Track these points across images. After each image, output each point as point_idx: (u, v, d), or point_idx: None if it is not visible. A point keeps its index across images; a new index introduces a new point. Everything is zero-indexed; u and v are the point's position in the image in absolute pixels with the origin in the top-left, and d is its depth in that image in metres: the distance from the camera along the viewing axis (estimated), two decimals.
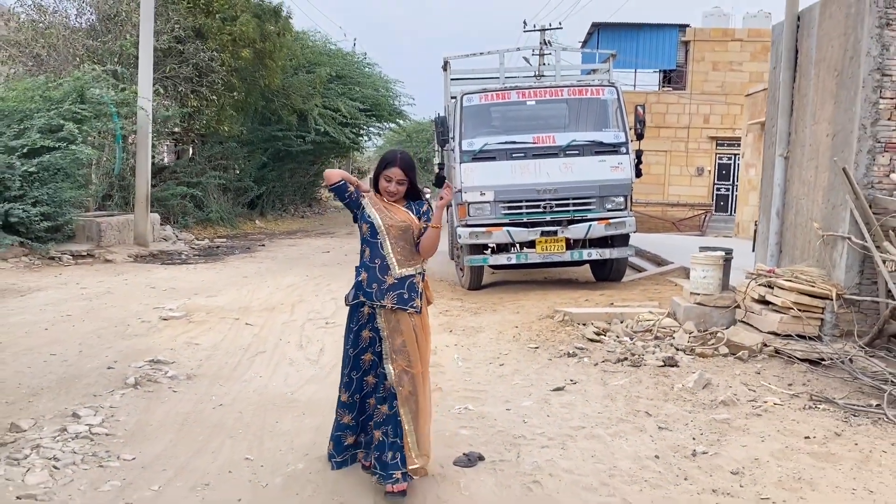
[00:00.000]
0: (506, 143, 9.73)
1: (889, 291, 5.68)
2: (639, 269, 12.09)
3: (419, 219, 3.71)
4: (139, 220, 13.74)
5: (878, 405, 4.74)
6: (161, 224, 15.57)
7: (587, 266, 10.85)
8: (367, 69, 26.29)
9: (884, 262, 5.64)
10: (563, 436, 4.36)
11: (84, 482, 3.64)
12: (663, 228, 24.09)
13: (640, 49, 26.76)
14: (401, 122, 29.47)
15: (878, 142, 6.04)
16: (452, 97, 10.58)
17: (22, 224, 11.36)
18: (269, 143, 22.73)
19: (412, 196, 3.78)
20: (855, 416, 4.59)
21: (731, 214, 24.49)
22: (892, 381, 5.01)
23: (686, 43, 26.54)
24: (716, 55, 26.12)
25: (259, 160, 22.52)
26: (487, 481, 3.76)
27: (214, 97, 17.35)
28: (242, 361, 6.06)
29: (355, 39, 56.41)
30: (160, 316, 7.60)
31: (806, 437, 4.18)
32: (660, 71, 27.79)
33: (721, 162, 26.50)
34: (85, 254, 12.20)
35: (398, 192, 3.69)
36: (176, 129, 18.47)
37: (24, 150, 11.44)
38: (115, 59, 15.45)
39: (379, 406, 3.64)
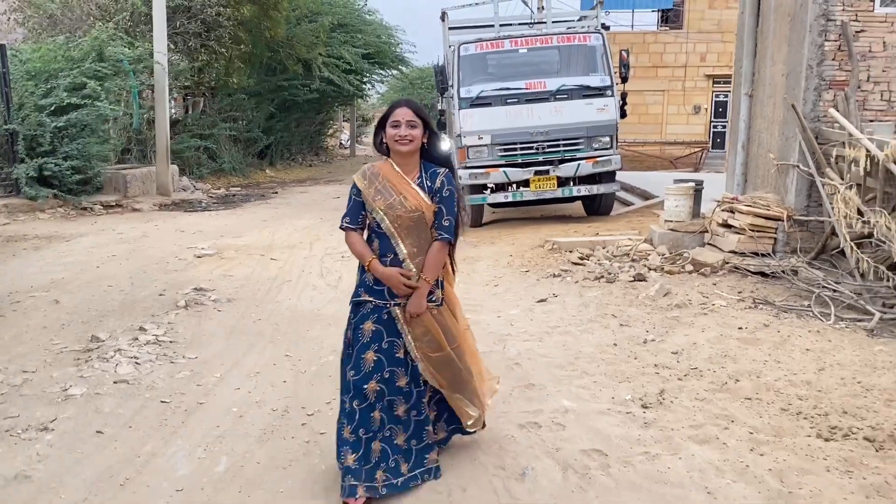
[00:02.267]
0: (500, 89, 10.50)
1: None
2: (628, 204, 12.97)
3: (432, 198, 3.09)
4: (160, 171, 14.64)
5: (808, 305, 5.68)
6: (179, 175, 16.46)
7: (579, 203, 11.71)
8: (368, 16, 26.73)
9: (823, 186, 6.51)
10: (542, 333, 5.35)
11: (162, 372, 4.64)
12: (661, 166, 24.75)
13: None
14: (403, 68, 29.96)
15: (823, 80, 6.85)
16: (450, 46, 11.31)
17: (55, 177, 12.29)
18: (275, 93, 23.39)
19: (431, 156, 3.19)
20: (785, 312, 5.53)
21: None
22: (822, 286, 5.94)
23: None
24: None
25: (267, 111, 23.21)
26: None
27: (223, 50, 18.01)
28: (272, 288, 7.04)
29: None
30: (194, 254, 8.58)
31: (739, 328, 5.13)
32: (657, 10, 28.07)
33: (718, 100, 26.99)
34: (114, 204, 13.17)
35: (412, 137, 3.04)
36: (187, 84, 19.21)
37: (52, 108, 12.28)
38: (127, 17, 16.12)
39: (392, 412, 3.15)
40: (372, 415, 3.09)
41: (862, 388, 3.89)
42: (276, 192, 17.29)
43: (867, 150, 5.88)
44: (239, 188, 18.26)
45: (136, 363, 4.76)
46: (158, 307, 6.17)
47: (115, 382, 4.42)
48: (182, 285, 6.94)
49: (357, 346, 3.12)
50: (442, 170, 3.17)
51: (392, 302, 3.11)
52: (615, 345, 4.97)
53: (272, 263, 8.20)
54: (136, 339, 5.27)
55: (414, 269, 3.08)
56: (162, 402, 4.16)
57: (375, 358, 3.10)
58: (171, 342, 5.25)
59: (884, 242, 5.55)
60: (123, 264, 8.00)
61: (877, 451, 3.23)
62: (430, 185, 3.12)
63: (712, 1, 26.27)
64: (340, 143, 38.73)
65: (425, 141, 3.14)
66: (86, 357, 4.87)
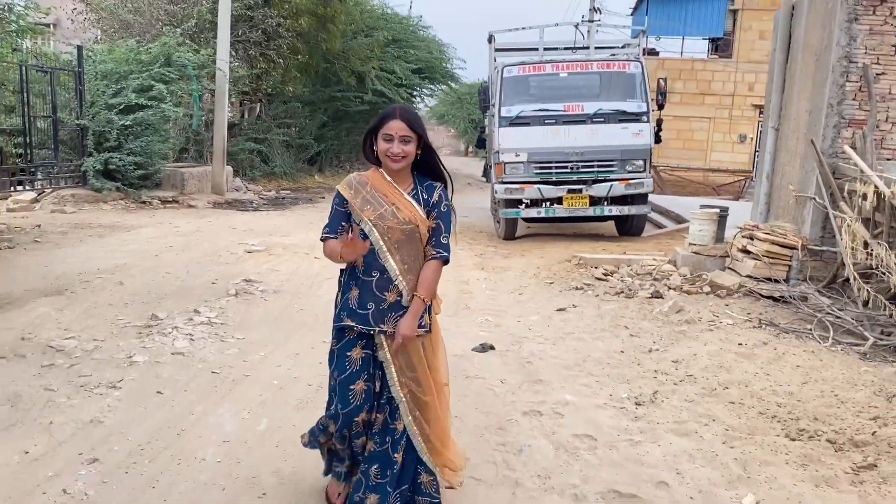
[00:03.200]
0: (539, 110, 11.02)
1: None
2: (661, 227, 13.33)
3: (428, 214, 2.84)
4: (216, 171, 15.47)
5: (809, 328, 6.05)
6: (232, 176, 17.30)
7: (611, 223, 12.13)
8: (421, 32, 27.49)
9: (836, 218, 6.86)
10: (556, 337, 5.82)
11: (213, 348, 5.24)
12: (703, 193, 24.92)
13: (689, 16, 27.22)
14: (452, 84, 30.66)
15: (843, 118, 7.20)
16: (495, 68, 11.86)
17: (119, 172, 13.17)
18: (328, 103, 24.24)
19: (426, 168, 2.92)
20: (786, 333, 5.91)
21: None
22: (827, 312, 6.29)
23: (734, 11, 26.98)
24: (763, 24, 26.43)
25: (319, 119, 24.07)
26: (495, 360, 5.25)
27: (281, 60, 18.88)
28: (314, 283, 7.63)
29: (411, 2, 57.20)
30: (245, 249, 9.24)
31: (739, 344, 5.53)
32: (708, 39, 28.29)
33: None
34: (171, 199, 14.01)
35: (405, 154, 2.78)
36: (245, 90, 20.13)
37: (121, 107, 13.18)
38: (192, 24, 17.07)
39: (376, 440, 2.91)
40: (357, 441, 2.94)
41: (837, 400, 4.29)
42: (323, 197, 18.01)
43: (875, 187, 6.24)
44: (288, 191, 19.06)
45: (191, 339, 5.38)
46: (211, 294, 6.80)
47: (172, 354, 5.03)
48: (233, 276, 7.57)
49: (344, 377, 2.87)
50: (438, 184, 2.91)
51: (378, 328, 2.82)
52: (622, 352, 5.42)
53: (315, 262, 8.80)
54: (191, 319, 5.90)
55: (405, 288, 2.80)
56: (213, 372, 4.75)
57: (365, 388, 2.86)
58: (221, 324, 5.87)
59: (885, 274, 5.89)
60: (180, 255, 8.69)
61: (836, 451, 3.64)
62: (426, 197, 2.86)
63: (763, 32, 26.39)
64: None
65: (418, 153, 2.85)
66: (147, 331, 5.50)
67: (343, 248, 2.70)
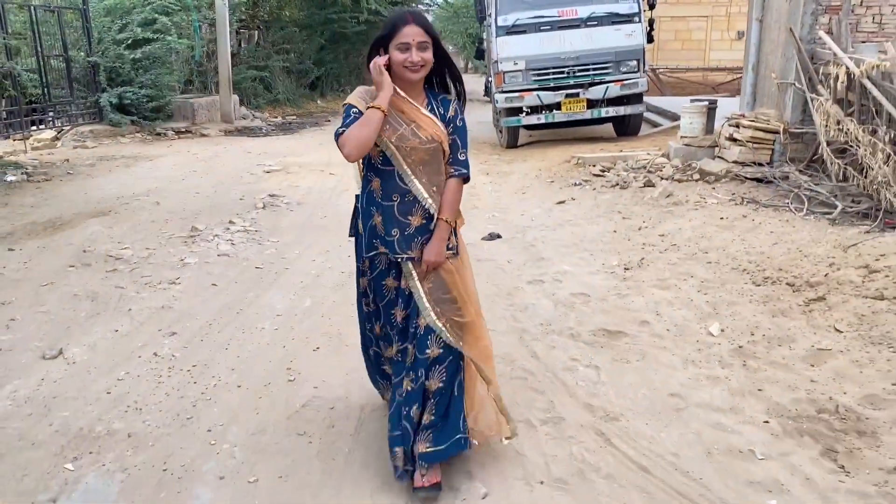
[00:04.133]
0: (535, 17, 11.33)
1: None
2: (657, 126, 13.77)
3: (447, 127, 2.64)
4: (223, 100, 15.89)
5: (788, 202, 6.65)
6: (238, 105, 17.71)
7: (609, 125, 12.57)
8: None
9: (813, 101, 7.36)
10: (556, 225, 6.46)
11: (253, 250, 5.92)
12: (703, 92, 25.03)
13: None
14: None
15: (820, 5, 7.59)
16: None
17: (133, 105, 13.66)
18: (325, 25, 24.26)
19: (437, 79, 2.71)
20: (765, 208, 6.52)
21: None
22: (804, 187, 6.88)
23: None
24: None
25: (317, 43, 24.16)
26: (502, 246, 5.90)
27: None
28: (333, 196, 8.25)
29: None
30: (264, 170, 9.84)
31: (721, 218, 6.16)
32: None
33: None
34: (184, 130, 14.51)
35: (424, 62, 2.54)
36: (242, 17, 20.27)
37: (129, 42, 13.55)
38: None
39: (410, 376, 2.68)
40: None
41: (801, 254, 4.93)
42: (329, 121, 18.44)
43: (847, 68, 6.71)
44: (294, 117, 19.46)
45: (232, 244, 6.05)
46: (241, 208, 7.44)
47: (218, 255, 5.72)
48: (257, 193, 8.19)
49: (383, 303, 2.76)
50: (451, 96, 2.73)
51: (406, 255, 2.61)
52: (615, 231, 6.07)
53: (331, 177, 9.41)
54: (228, 228, 6.56)
55: (435, 208, 2.61)
56: (257, 268, 5.44)
57: (404, 315, 2.70)
58: (256, 231, 6.53)
59: (855, 147, 6.44)
60: (204, 178, 9.30)
61: (793, 291, 4.30)
62: (442, 112, 2.65)
63: None
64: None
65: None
66: (191, 240, 6.17)
67: (375, 75, 2.50)
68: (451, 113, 2.68)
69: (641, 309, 4.21)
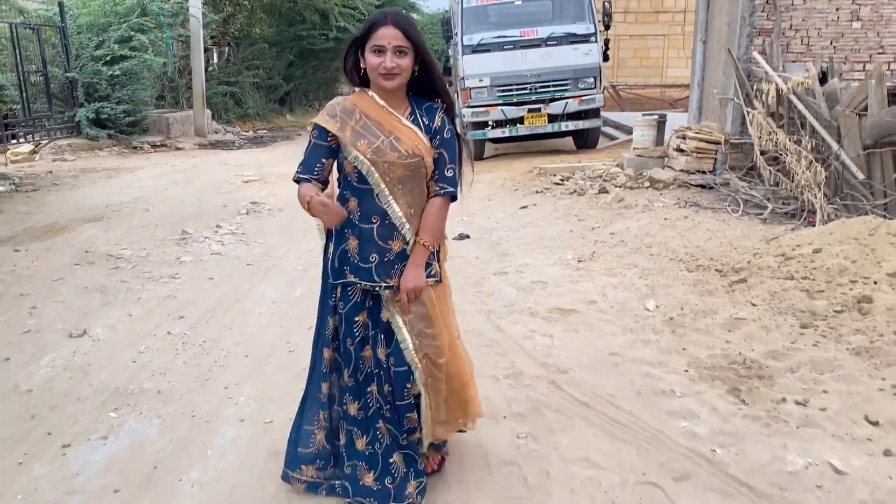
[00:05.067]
0: (499, 37, 12.06)
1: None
2: (614, 139, 14.59)
3: (432, 140, 2.41)
4: (197, 114, 16.37)
5: (726, 204, 7.39)
6: (210, 119, 18.18)
7: (570, 139, 13.34)
8: None
9: (749, 114, 8.15)
10: (519, 226, 7.12)
11: (242, 250, 6.47)
12: (661, 108, 26.11)
13: None
14: (415, 15, 31.19)
15: (754, 28, 8.42)
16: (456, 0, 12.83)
17: (110, 120, 14.09)
18: (294, 42, 24.82)
19: (423, 88, 2.45)
20: (706, 210, 7.26)
21: None
22: (742, 192, 7.63)
23: None
24: None
25: (286, 59, 24.71)
26: (471, 245, 6.53)
27: (246, 2, 19.53)
28: None
29: None
30: (242, 180, 10.38)
31: (665, 219, 6.87)
32: None
33: None
34: (159, 143, 14.96)
35: (400, 68, 2.31)
36: (213, 34, 20.76)
37: (107, 58, 13.99)
38: None
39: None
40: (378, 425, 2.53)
41: (731, 247, 5.65)
42: (300, 134, 18.98)
43: (776, 84, 7.51)
44: (265, 131, 19.98)
45: (222, 245, 6.60)
46: (225, 214, 7.98)
47: (211, 254, 6.27)
48: (239, 200, 8.74)
49: (354, 343, 2.50)
50: (438, 104, 2.46)
51: (383, 283, 2.41)
52: (571, 231, 6.74)
53: None
54: (216, 231, 7.10)
55: (410, 235, 2.40)
56: (248, 264, 6.00)
57: (386, 353, 2.48)
58: (242, 234, 7.08)
59: (783, 154, 7.21)
60: (186, 187, 9.81)
61: (721, 276, 5.00)
62: (426, 122, 2.41)
63: None
64: (354, 90, 40.19)
65: (416, 69, 2.37)
66: (183, 242, 6.70)
67: (316, 205, 2.18)
68: (436, 123, 2.41)
69: (590, 292, 4.87)
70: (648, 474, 2.72)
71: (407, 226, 2.39)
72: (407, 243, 2.41)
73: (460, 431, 2.84)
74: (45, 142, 13.44)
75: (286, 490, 2.69)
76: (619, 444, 2.94)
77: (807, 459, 2.74)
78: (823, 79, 7.55)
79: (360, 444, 2.53)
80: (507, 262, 5.85)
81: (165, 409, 3.40)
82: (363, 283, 2.43)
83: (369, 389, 2.52)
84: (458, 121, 2.72)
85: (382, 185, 2.36)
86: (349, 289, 2.48)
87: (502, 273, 5.54)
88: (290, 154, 13.90)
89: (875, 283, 4.37)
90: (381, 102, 2.40)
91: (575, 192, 8.80)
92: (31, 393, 3.56)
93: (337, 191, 2.47)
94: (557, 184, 9.50)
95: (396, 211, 2.37)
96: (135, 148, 14.35)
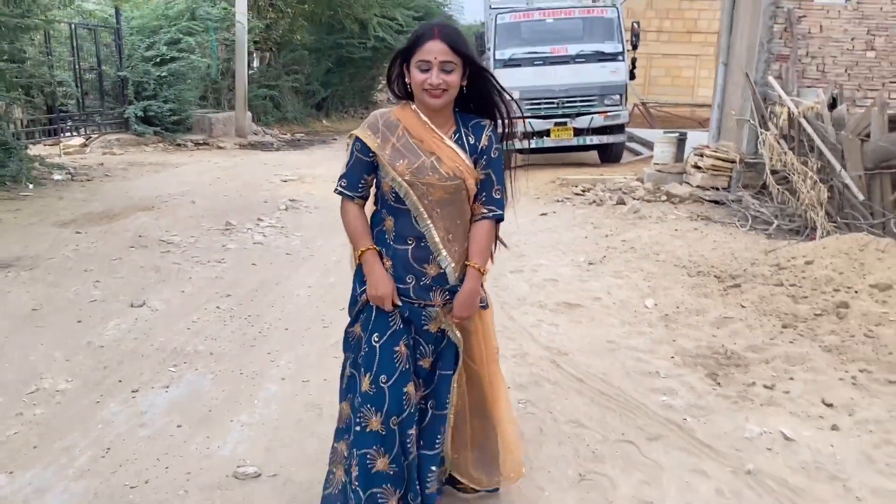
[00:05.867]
0: (529, 52, 12.59)
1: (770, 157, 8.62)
2: (638, 154, 15.01)
3: (476, 162, 2.30)
4: (239, 116, 17.08)
5: (736, 219, 7.81)
6: (250, 121, 18.91)
7: (595, 153, 13.80)
8: None
9: (762, 135, 8.56)
10: (537, 231, 7.62)
11: (281, 241, 7.04)
12: (690, 126, 26.40)
13: None
14: None
15: (771, 54, 8.84)
16: (489, 16, 13.38)
17: (156, 118, 14.83)
18: (333, 50, 25.61)
19: (473, 102, 2.34)
20: (715, 223, 7.69)
21: None
22: (753, 209, 8.05)
23: None
24: None
25: (325, 66, 25.48)
26: None
27: (288, 10, 20.30)
28: None
29: None
30: (281, 179, 10.98)
31: (675, 230, 7.32)
32: None
33: None
34: (202, 142, 15.67)
35: (447, 86, 2.18)
36: (256, 39, 21.55)
37: (156, 59, 14.76)
38: None
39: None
40: (410, 433, 2.36)
41: (732, 257, 6.09)
42: (335, 139, 19.64)
43: (788, 109, 7.93)
44: (302, 134, 20.67)
45: (264, 236, 7.18)
46: (266, 209, 8.57)
47: (254, 243, 6.85)
48: (278, 197, 9.33)
49: (394, 377, 2.28)
50: (486, 122, 2.33)
51: (424, 301, 2.32)
52: (585, 237, 7.22)
53: None
54: (258, 224, 7.69)
55: (448, 264, 2.30)
56: (287, 254, 6.56)
57: (431, 362, 2.41)
58: (282, 227, 7.66)
59: (791, 174, 7.62)
60: (228, 183, 10.44)
61: (719, 281, 5.45)
62: (472, 142, 2.28)
63: None
64: (388, 98, 41.07)
65: (464, 84, 2.24)
66: (227, 232, 7.29)
67: (373, 275, 2.28)
68: (483, 143, 2.29)
69: (597, 290, 5.35)
70: (626, 434, 3.20)
71: (443, 252, 2.26)
72: (441, 269, 2.28)
73: (491, 491, 2.67)
74: (96, 136, 14.21)
75: (321, 434, 3.21)
76: (604, 411, 3.42)
77: (763, 429, 3.20)
78: (834, 104, 7.94)
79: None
80: (524, 261, 6.34)
81: (217, 367, 3.95)
82: (407, 299, 2.29)
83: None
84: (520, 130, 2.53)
85: (420, 208, 2.24)
86: (389, 314, 2.31)
87: (518, 271, 6.03)
88: (325, 157, 14.54)
89: (856, 292, 4.80)
90: (425, 119, 2.26)
91: (594, 202, 9.26)
92: (103, 349, 4.14)
93: (373, 207, 2.40)
94: (578, 194, 9.96)
95: (433, 235, 2.25)
96: (178, 145, 15.06)
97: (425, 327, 2.35)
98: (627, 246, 6.75)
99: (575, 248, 6.75)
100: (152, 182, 10.24)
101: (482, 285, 2.39)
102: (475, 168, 2.29)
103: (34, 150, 11.22)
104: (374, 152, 2.25)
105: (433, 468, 2.41)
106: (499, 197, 2.35)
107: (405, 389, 2.28)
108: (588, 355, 4.12)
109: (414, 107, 2.29)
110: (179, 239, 6.87)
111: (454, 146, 2.27)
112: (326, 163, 13.42)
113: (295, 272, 5.98)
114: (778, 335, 4.34)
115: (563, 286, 5.50)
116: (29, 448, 3.07)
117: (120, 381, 3.73)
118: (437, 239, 2.26)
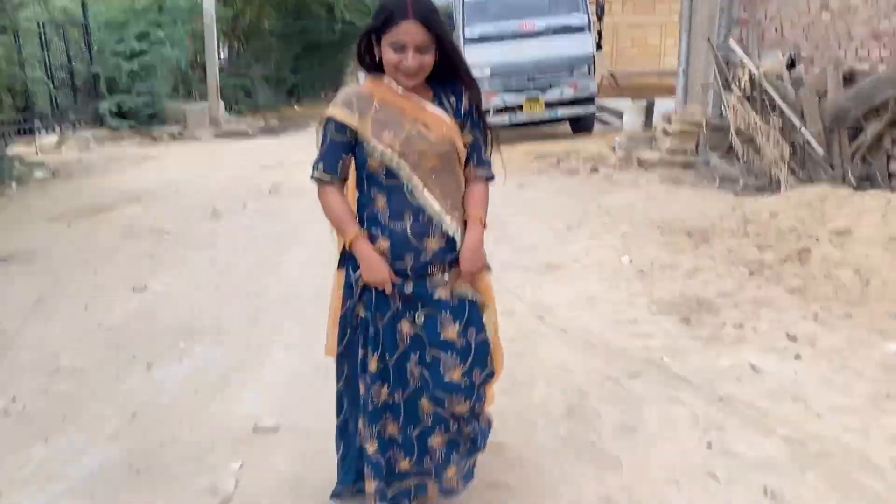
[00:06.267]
0: (498, 29, 12.80)
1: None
2: (607, 124, 15.33)
3: (462, 124, 2.25)
4: (212, 106, 17.13)
5: (703, 180, 8.15)
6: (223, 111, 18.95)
7: (566, 125, 14.08)
8: None
9: (725, 98, 8.88)
10: (517, 202, 7.89)
11: (269, 225, 7.26)
12: (659, 94, 26.81)
13: None
14: None
15: (732, 18, 9.14)
16: None
17: (130, 111, 14.89)
18: (301, 35, 25.55)
19: (444, 75, 2.22)
20: (685, 185, 8.01)
21: None
22: (720, 169, 8.38)
23: None
24: None
25: (294, 52, 25.48)
26: None
27: None
28: None
29: None
30: (260, 166, 11.15)
31: (647, 193, 7.63)
32: None
33: None
34: (177, 133, 15.73)
35: (421, 68, 2.11)
36: (224, 29, 21.52)
37: (127, 54, 14.78)
38: None
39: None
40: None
41: (701, 214, 6.41)
42: (309, 125, 19.70)
43: (750, 71, 8.25)
44: (275, 122, 20.71)
45: (251, 220, 7.40)
46: (249, 195, 8.76)
47: (243, 228, 7.06)
48: (261, 183, 9.50)
49: (396, 354, 2.30)
50: (461, 85, 2.25)
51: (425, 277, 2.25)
52: (563, 205, 7.51)
53: None
54: (244, 209, 7.89)
55: (456, 230, 2.25)
56: (276, 236, 6.78)
57: (418, 372, 2.31)
58: (268, 212, 7.86)
59: (755, 133, 7.95)
60: (210, 173, 10.59)
61: (689, 238, 5.77)
62: (454, 102, 2.24)
63: None
64: (357, 81, 41.01)
65: (437, 58, 2.15)
66: (216, 219, 7.48)
67: (364, 257, 2.21)
68: (464, 105, 2.24)
69: (576, 252, 5.65)
70: (609, 374, 3.50)
71: (447, 218, 2.20)
72: (446, 239, 2.23)
73: None
74: (70, 133, 14.23)
75: (331, 392, 3.46)
76: (588, 356, 3.73)
77: (733, 362, 3.53)
78: (793, 65, 8.27)
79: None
80: (506, 230, 6.61)
81: (225, 339, 4.19)
82: (396, 279, 2.22)
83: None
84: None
85: (416, 180, 2.15)
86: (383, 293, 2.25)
87: (500, 239, 6.29)
88: (302, 143, 14.63)
89: (817, 239, 5.13)
90: (399, 90, 2.17)
91: (569, 171, 9.56)
92: (113, 330, 4.36)
93: (355, 192, 2.33)
94: (553, 165, 10.24)
95: (433, 205, 2.18)
96: (154, 138, 15.11)
97: (436, 296, 2.25)
98: (603, 210, 7.06)
99: (553, 215, 7.04)
100: (134, 175, 10.37)
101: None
102: (462, 131, 2.23)
103: (10, 151, 11.27)
104: (351, 130, 2.15)
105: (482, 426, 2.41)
106: (487, 158, 2.37)
107: (407, 366, 2.29)
108: (571, 309, 4.42)
109: (386, 80, 2.18)
110: (170, 227, 7.06)
111: (437, 110, 2.20)
112: (303, 149, 13.52)
113: (286, 251, 6.21)
114: (746, 282, 4.66)
115: (545, 250, 5.79)
116: (59, 419, 3.30)
117: (134, 357, 3.96)
118: (438, 207, 2.18)
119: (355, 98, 2.17)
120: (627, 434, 2.98)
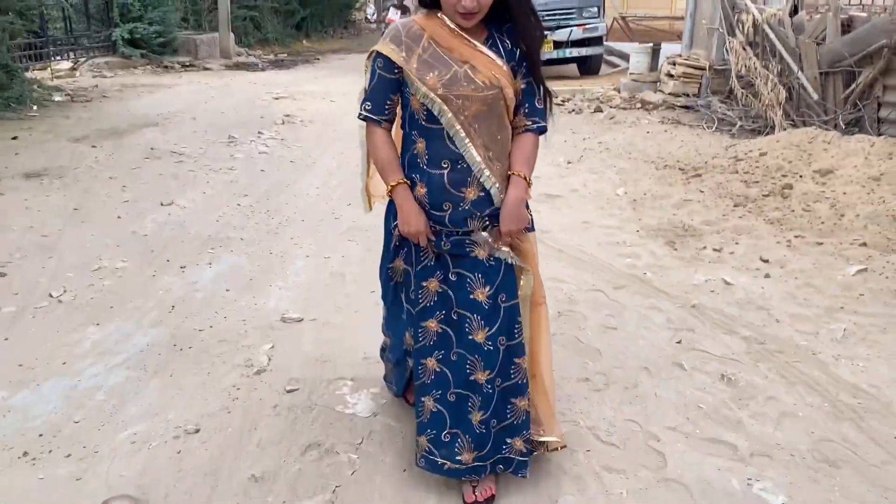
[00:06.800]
0: None
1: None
2: (616, 66, 15.47)
3: (514, 71, 2.11)
4: (223, 37, 17.23)
5: (702, 122, 8.44)
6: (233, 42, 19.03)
7: (574, 67, 14.24)
8: None
9: (728, 43, 9.09)
10: None
11: (284, 151, 7.59)
12: (668, 39, 26.68)
13: None
14: None
15: None
16: None
17: (142, 40, 15.01)
18: None
19: (503, 14, 2.07)
20: (684, 125, 8.31)
21: None
22: (719, 112, 8.66)
23: None
24: None
25: None
26: None
27: None
28: (337, 117, 9.89)
29: None
30: (273, 97, 11.40)
31: (647, 133, 7.94)
32: None
33: None
34: (188, 63, 15.89)
35: (479, 7, 1.99)
36: None
37: None
38: None
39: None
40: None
41: (696, 152, 6.74)
42: (318, 59, 19.85)
43: (753, 16, 8.45)
44: (284, 55, 20.80)
45: (266, 146, 7.73)
46: (263, 123, 9.07)
47: (259, 153, 7.40)
48: (274, 113, 9.81)
49: (417, 310, 2.25)
50: (512, 35, 2.11)
51: (463, 230, 2.15)
52: (565, 141, 7.83)
53: (332, 104, 11.01)
54: (259, 136, 8.22)
55: (493, 184, 2.10)
56: (291, 161, 7.13)
57: (440, 330, 2.23)
58: (282, 139, 8.19)
59: (755, 78, 8.20)
60: (223, 101, 10.86)
61: (682, 172, 6.12)
62: (509, 47, 2.10)
63: None
64: (366, 17, 40.57)
65: None
66: (232, 144, 7.82)
67: (406, 209, 2.13)
68: (520, 50, 2.10)
69: (575, 184, 6.00)
70: (597, 285, 3.91)
71: (486, 171, 2.06)
72: (485, 191, 2.09)
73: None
74: (84, 59, 14.42)
75: (347, 292, 3.88)
76: (579, 271, 4.13)
77: (708, 278, 3.92)
78: (795, 11, 8.47)
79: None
80: None
81: (249, 248, 4.60)
82: (435, 226, 2.13)
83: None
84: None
85: (457, 126, 2.03)
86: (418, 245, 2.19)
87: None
88: (311, 76, 14.88)
89: (801, 176, 5.49)
90: (453, 27, 2.05)
91: (573, 111, 9.83)
92: (147, 237, 4.77)
93: (400, 132, 2.22)
94: (558, 104, 10.49)
95: (474, 155, 2.05)
96: (166, 67, 15.29)
97: (472, 254, 2.15)
98: (603, 147, 7.38)
99: (556, 151, 7.36)
100: (150, 101, 10.64)
101: (527, 206, 2.19)
102: (514, 77, 2.09)
103: (27, 75, 11.52)
104: (399, 67, 2.04)
105: (513, 399, 2.27)
106: (542, 107, 2.18)
107: (423, 324, 2.22)
108: (566, 233, 4.80)
109: (440, 14, 2.06)
110: (189, 150, 7.40)
111: (489, 52, 2.05)
112: (313, 81, 13.80)
113: (301, 177, 6.57)
114: (730, 212, 5.04)
115: (545, 182, 6.14)
116: (106, 308, 3.73)
117: (168, 260, 4.37)
118: (479, 158, 2.05)
119: (405, 34, 2.07)
120: (608, 332, 3.40)
